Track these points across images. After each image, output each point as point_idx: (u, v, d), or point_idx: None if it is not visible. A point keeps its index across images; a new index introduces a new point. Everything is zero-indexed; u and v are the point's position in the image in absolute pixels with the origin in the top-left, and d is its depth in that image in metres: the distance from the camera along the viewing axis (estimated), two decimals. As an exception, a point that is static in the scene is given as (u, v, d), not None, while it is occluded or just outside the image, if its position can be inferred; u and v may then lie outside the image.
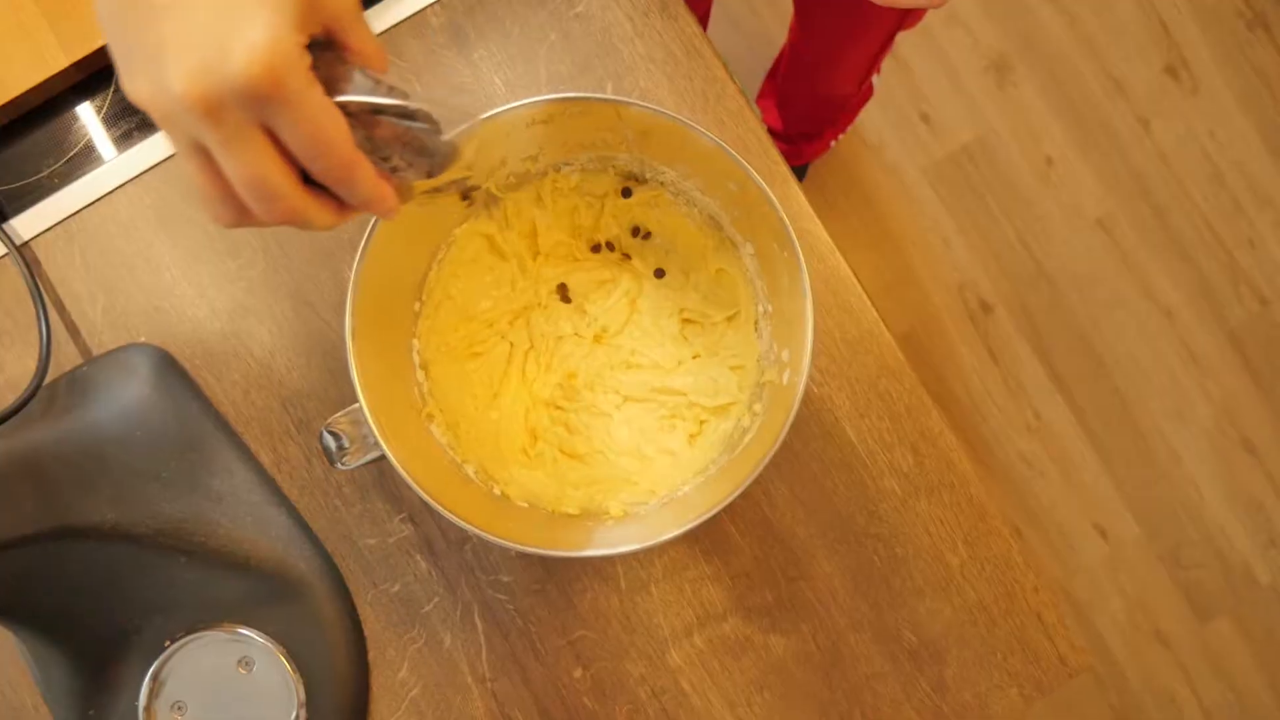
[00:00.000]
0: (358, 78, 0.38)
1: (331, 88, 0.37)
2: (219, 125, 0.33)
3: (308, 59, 0.35)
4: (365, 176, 0.37)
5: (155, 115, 0.34)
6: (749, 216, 0.56)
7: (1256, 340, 1.63)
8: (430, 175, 0.43)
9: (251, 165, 0.35)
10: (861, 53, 1.10)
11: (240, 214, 0.37)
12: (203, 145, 0.35)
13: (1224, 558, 1.61)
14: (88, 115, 0.67)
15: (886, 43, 1.10)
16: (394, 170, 0.41)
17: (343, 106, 0.37)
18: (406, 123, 0.40)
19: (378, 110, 0.39)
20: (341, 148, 0.36)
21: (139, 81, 0.34)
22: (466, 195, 0.50)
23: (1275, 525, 1.62)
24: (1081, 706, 1.59)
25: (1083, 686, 1.59)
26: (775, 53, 1.44)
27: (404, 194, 0.43)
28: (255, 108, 0.33)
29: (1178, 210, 1.64)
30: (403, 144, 0.41)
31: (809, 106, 1.38)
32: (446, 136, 0.42)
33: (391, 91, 0.39)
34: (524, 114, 0.53)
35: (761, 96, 1.49)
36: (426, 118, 0.41)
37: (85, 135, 0.67)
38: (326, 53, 0.37)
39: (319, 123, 0.35)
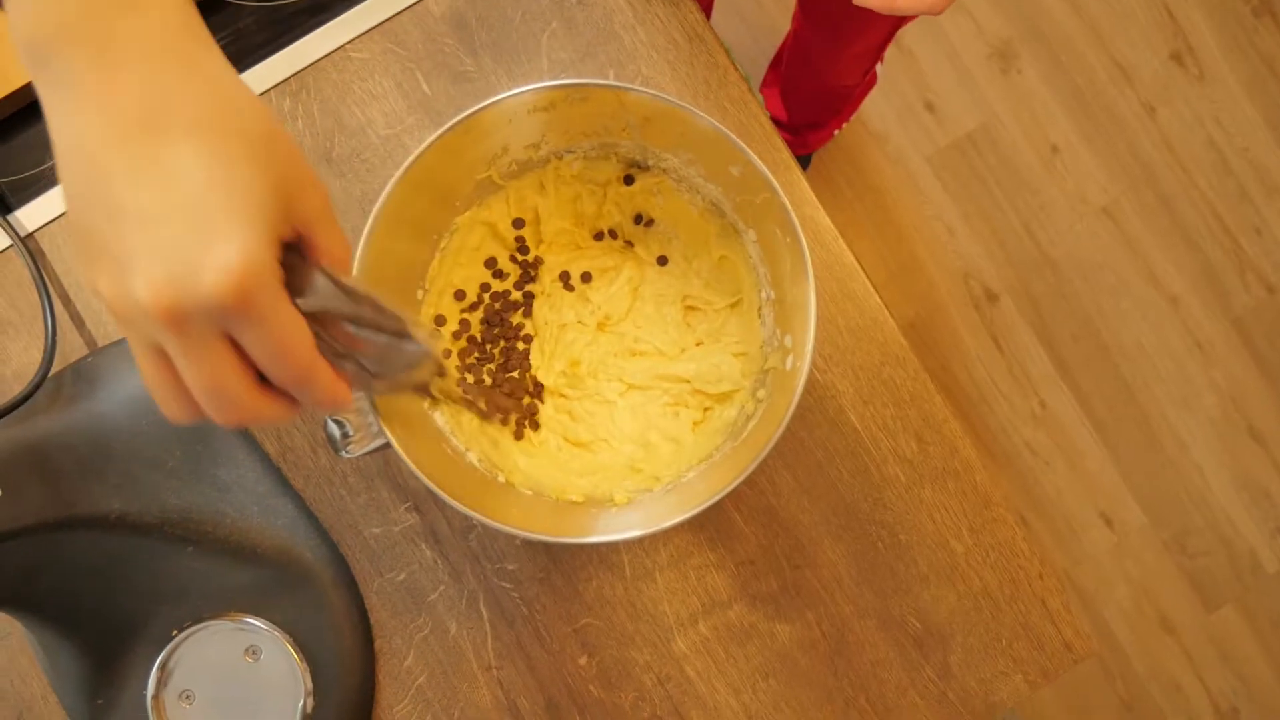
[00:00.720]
0: (320, 281, 0.38)
1: (295, 290, 0.37)
2: (181, 335, 0.33)
3: (279, 272, 0.35)
4: (323, 381, 0.37)
5: (115, 315, 0.34)
6: (752, 203, 0.56)
7: (1262, 327, 1.63)
8: (390, 378, 0.43)
9: (211, 375, 0.34)
10: (865, 42, 1.10)
11: (194, 412, 0.37)
12: (161, 348, 0.35)
13: (1230, 545, 1.61)
14: (91, 106, 0.67)
15: (890, 32, 1.09)
16: (356, 365, 0.41)
17: (307, 311, 0.37)
18: (368, 333, 0.41)
19: (347, 319, 0.39)
20: (303, 357, 0.36)
21: (100, 279, 0.34)
22: (427, 392, 0.50)
23: (1282, 513, 1.62)
24: (1088, 694, 1.59)
25: (1089, 674, 1.59)
26: (779, 42, 1.43)
27: (360, 383, 0.42)
28: (222, 322, 0.33)
29: (1183, 197, 1.63)
30: (365, 350, 0.41)
31: (812, 96, 1.37)
32: (412, 344, 0.43)
33: (354, 296, 0.39)
34: (526, 101, 0.53)
35: (765, 86, 1.48)
36: (394, 323, 0.41)
37: (88, 126, 0.67)
38: (291, 253, 0.37)
39: (283, 335, 0.35)
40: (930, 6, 0.59)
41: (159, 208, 0.32)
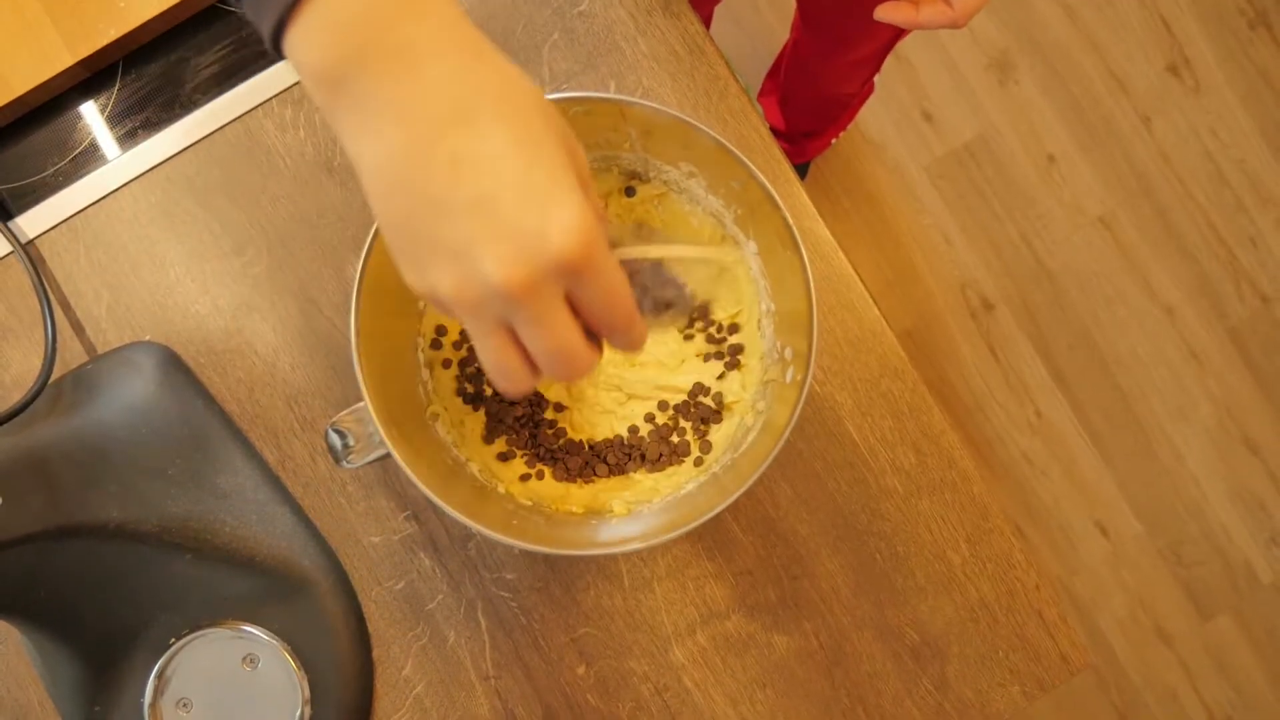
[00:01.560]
0: (612, 234, 0.41)
1: None
2: (533, 303, 0.35)
3: (604, 225, 0.37)
4: (639, 321, 0.40)
5: (462, 307, 0.36)
6: (752, 215, 0.56)
7: (1258, 338, 1.63)
8: (665, 316, 0.47)
9: (559, 336, 0.37)
10: (864, 51, 1.10)
11: (535, 378, 0.39)
12: (507, 323, 0.37)
13: (1225, 555, 1.62)
14: (92, 114, 0.67)
15: (890, 42, 1.10)
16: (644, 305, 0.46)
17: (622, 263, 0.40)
18: (655, 275, 0.46)
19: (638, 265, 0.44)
20: (630, 302, 0.39)
21: (440, 278, 0.35)
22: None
23: (1277, 523, 1.62)
24: (1084, 704, 1.59)
25: (1085, 684, 1.59)
26: (777, 50, 1.44)
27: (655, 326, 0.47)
28: (568, 281, 0.36)
29: (1179, 208, 1.64)
30: (653, 292, 0.46)
31: (811, 105, 1.38)
32: (686, 286, 0.47)
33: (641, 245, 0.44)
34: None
35: (763, 94, 1.49)
36: (669, 271, 0.46)
37: (89, 134, 0.67)
38: None
39: (616, 284, 0.37)
40: (952, 21, 0.59)
41: (488, 192, 0.34)
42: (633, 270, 0.45)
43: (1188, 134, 1.64)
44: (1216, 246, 1.64)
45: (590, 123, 0.55)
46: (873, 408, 0.66)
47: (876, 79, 1.32)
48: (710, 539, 0.65)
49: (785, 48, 1.36)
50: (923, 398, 0.66)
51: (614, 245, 0.41)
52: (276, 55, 0.36)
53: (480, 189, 0.34)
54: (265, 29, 0.35)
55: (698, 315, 0.59)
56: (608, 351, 0.63)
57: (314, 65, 0.35)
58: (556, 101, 0.53)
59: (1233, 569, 1.62)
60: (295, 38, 0.35)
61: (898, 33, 1.04)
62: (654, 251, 0.45)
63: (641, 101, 0.53)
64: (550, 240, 0.34)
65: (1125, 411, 1.62)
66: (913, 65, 1.63)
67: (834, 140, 1.53)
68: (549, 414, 0.63)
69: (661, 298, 0.46)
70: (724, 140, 0.52)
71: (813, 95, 1.33)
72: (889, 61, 1.62)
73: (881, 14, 0.61)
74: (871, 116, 1.63)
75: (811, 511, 0.65)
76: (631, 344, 0.40)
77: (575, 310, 0.37)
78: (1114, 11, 1.64)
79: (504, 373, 0.38)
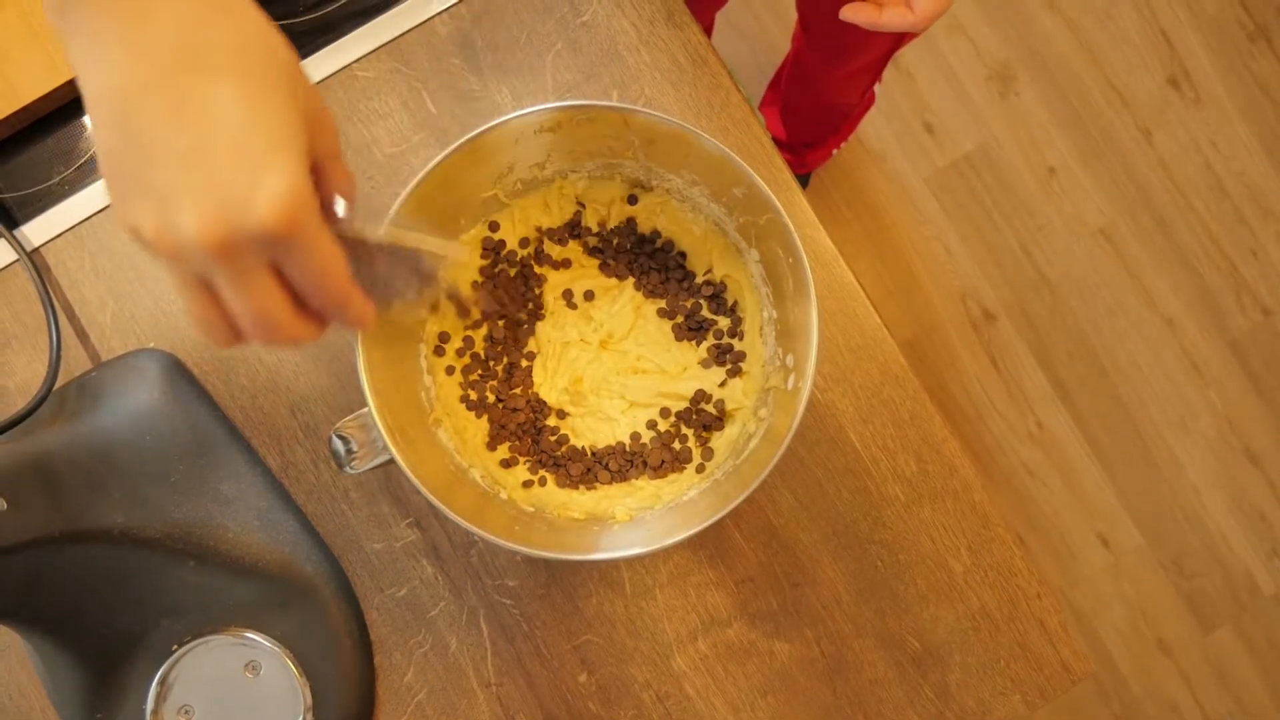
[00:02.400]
0: (342, 208, 0.41)
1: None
2: (231, 265, 0.34)
3: (317, 201, 0.36)
4: (355, 302, 0.39)
5: (158, 251, 0.35)
6: (754, 223, 0.56)
7: (1259, 350, 1.63)
8: (399, 302, 0.46)
9: (259, 301, 0.36)
10: (864, 61, 1.11)
11: (236, 339, 0.38)
12: (206, 280, 0.36)
13: (1226, 567, 1.61)
14: (98, 122, 0.68)
15: (889, 51, 1.10)
16: (374, 286, 0.44)
17: (337, 235, 0.39)
18: (384, 256, 0.44)
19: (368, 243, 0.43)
20: (342, 280, 0.38)
21: (142, 218, 0.34)
22: (435, 306, 0.55)
23: (1278, 535, 1.62)
24: (1084, 715, 1.59)
25: (1085, 695, 1.59)
26: (779, 60, 1.44)
27: (381, 302, 0.45)
28: (271, 249, 0.35)
29: (1180, 220, 1.64)
30: (383, 272, 0.44)
31: (812, 115, 1.38)
32: (425, 264, 0.46)
33: (370, 224, 0.43)
34: (533, 121, 0.54)
35: (764, 104, 1.49)
36: (411, 248, 0.45)
37: (94, 144, 0.67)
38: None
39: (325, 260, 0.36)
40: (912, 24, 0.60)
41: (204, 143, 0.33)
42: (366, 252, 0.43)
43: (1188, 146, 1.65)
44: (1217, 258, 1.64)
45: (593, 131, 0.56)
46: (874, 415, 0.66)
47: (878, 89, 1.33)
48: (712, 546, 0.65)
49: (786, 58, 1.37)
50: (924, 405, 0.66)
51: (346, 224, 0.41)
52: None
53: (196, 139, 0.33)
54: None
55: (445, 302, 0.57)
56: (610, 360, 0.63)
57: None
58: (561, 109, 0.54)
59: (1233, 580, 1.61)
60: None
61: (896, 43, 1.05)
62: (376, 234, 0.44)
63: (644, 110, 0.53)
64: (254, 206, 0.33)
65: (1126, 422, 1.63)
66: (914, 77, 1.64)
67: (835, 151, 1.54)
68: (551, 420, 0.63)
69: (394, 284, 0.45)
70: (726, 149, 0.52)
71: (814, 105, 1.34)
72: (890, 73, 1.63)
73: (846, 13, 0.62)
74: (873, 127, 1.63)
75: (813, 519, 0.65)
76: (349, 323, 0.40)
77: (284, 281, 0.37)
78: (1114, 24, 1.65)
79: (204, 326, 0.37)
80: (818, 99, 1.30)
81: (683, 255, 0.63)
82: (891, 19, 0.61)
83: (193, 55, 0.34)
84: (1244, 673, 1.60)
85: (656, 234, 0.64)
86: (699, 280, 0.63)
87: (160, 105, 0.33)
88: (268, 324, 0.37)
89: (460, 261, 0.49)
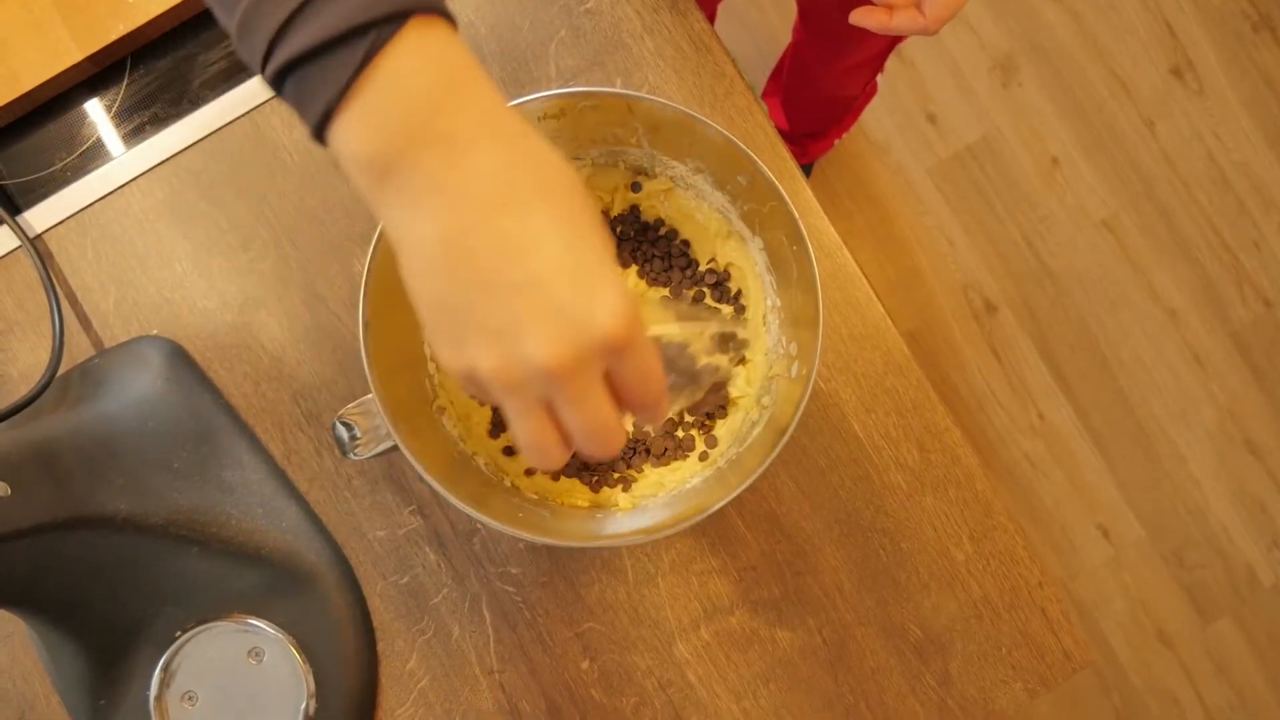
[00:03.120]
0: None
1: None
2: (576, 383, 0.36)
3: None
4: (667, 399, 0.41)
5: (501, 385, 0.36)
6: (759, 211, 0.56)
7: (1260, 342, 1.63)
8: (686, 392, 0.50)
9: (599, 415, 0.37)
10: (866, 53, 1.11)
11: (567, 453, 0.39)
12: (545, 401, 0.37)
13: (1227, 559, 1.62)
14: (99, 109, 0.68)
15: (891, 44, 1.10)
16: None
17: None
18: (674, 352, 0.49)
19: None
20: (663, 380, 0.40)
21: (482, 357, 0.36)
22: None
23: (1278, 526, 1.62)
24: (1084, 706, 1.59)
25: (1086, 686, 1.59)
26: (780, 50, 1.44)
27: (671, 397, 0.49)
28: (609, 360, 0.37)
29: (1182, 212, 1.64)
30: (673, 369, 0.48)
31: (814, 105, 1.38)
32: (704, 363, 0.49)
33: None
34: (537, 107, 0.54)
35: (766, 95, 1.49)
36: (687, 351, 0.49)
37: (97, 129, 0.68)
38: None
39: (652, 360, 0.38)
40: (923, 28, 0.60)
41: (536, 274, 0.35)
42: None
43: (1191, 137, 1.64)
44: (1220, 250, 1.64)
45: (597, 118, 0.55)
46: (877, 404, 0.66)
47: (880, 80, 1.33)
48: (714, 534, 0.65)
49: (787, 50, 1.36)
50: (926, 394, 0.66)
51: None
52: (320, 144, 0.37)
53: (526, 270, 0.35)
54: (310, 121, 0.36)
55: (712, 401, 0.62)
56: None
57: (362, 155, 0.35)
58: (565, 96, 0.53)
59: (1234, 572, 1.62)
60: (342, 129, 0.35)
61: (898, 37, 1.04)
62: (678, 332, 0.48)
63: (649, 97, 0.53)
64: (597, 322, 0.35)
65: (1127, 414, 1.63)
66: (916, 67, 1.64)
67: (837, 141, 1.53)
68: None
69: (684, 374, 0.49)
70: (731, 136, 0.52)
71: (815, 97, 1.34)
72: (893, 63, 1.62)
73: (856, 18, 0.62)
74: (875, 118, 1.63)
75: (815, 507, 0.65)
76: (656, 419, 0.41)
77: (611, 387, 0.38)
78: (1117, 15, 1.65)
79: (540, 450, 0.38)
80: (819, 91, 1.30)
81: (686, 244, 0.63)
82: (903, 23, 0.60)
83: (506, 195, 0.35)
84: (1244, 664, 1.60)
85: (660, 222, 0.63)
86: (702, 268, 0.63)
87: (485, 243, 0.35)
88: (605, 434, 0.38)
89: (738, 334, 0.54)
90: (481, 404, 0.39)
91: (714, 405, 0.62)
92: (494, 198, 0.35)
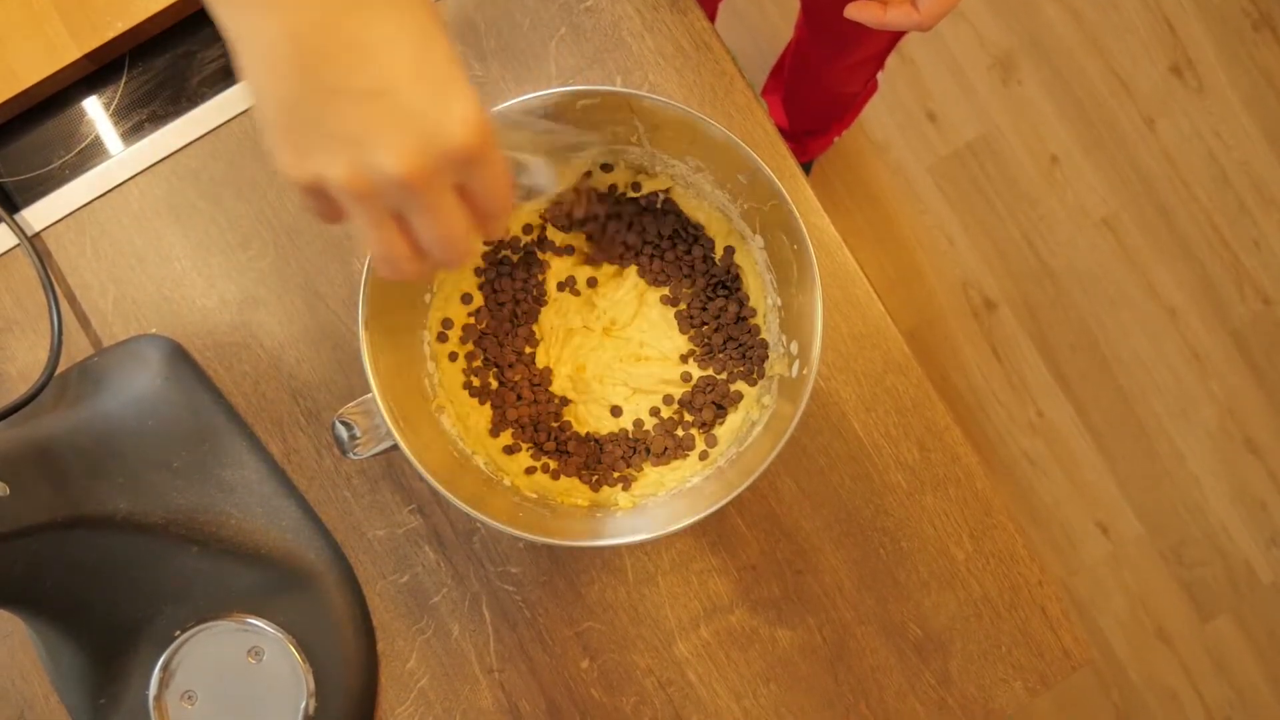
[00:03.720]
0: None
1: None
2: (427, 192, 0.36)
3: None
4: (511, 209, 0.41)
5: (352, 194, 0.35)
6: (759, 210, 0.56)
7: (1260, 340, 1.63)
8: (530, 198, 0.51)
9: (451, 223, 0.37)
10: (867, 50, 1.10)
11: (420, 266, 0.39)
12: (397, 212, 0.37)
13: (1226, 556, 1.62)
14: (98, 107, 0.67)
15: (892, 41, 1.10)
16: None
17: None
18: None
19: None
20: (510, 190, 0.40)
21: (331, 165, 0.35)
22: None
23: (1277, 524, 1.62)
24: (1084, 704, 1.59)
25: (1085, 684, 1.59)
26: (780, 48, 1.44)
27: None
28: (463, 171, 0.36)
29: (1182, 210, 1.64)
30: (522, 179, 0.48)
31: (814, 103, 1.38)
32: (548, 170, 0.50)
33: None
34: (537, 106, 0.53)
35: (766, 92, 1.49)
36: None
37: (95, 127, 0.67)
38: None
39: (502, 169, 0.38)
40: (917, 24, 0.60)
41: (388, 81, 0.34)
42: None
43: (1191, 135, 1.64)
44: (1219, 248, 1.64)
45: (599, 116, 0.55)
46: (877, 403, 0.66)
47: (880, 77, 1.33)
48: (714, 533, 0.65)
49: (788, 47, 1.36)
50: (927, 393, 0.66)
51: None
52: None
53: (379, 76, 0.34)
54: None
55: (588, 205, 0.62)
56: (614, 346, 0.63)
57: None
58: (566, 93, 0.53)
59: (1233, 570, 1.62)
60: None
61: (899, 34, 1.04)
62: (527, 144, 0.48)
63: (650, 95, 0.53)
64: (450, 131, 0.35)
65: (1127, 412, 1.62)
66: (916, 65, 1.64)
67: (836, 139, 1.53)
68: (554, 407, 0.63)
69: (532, 184, 0.49)
70: (732, 135, 0.52)
71: (816, 94, 1.33)
72: (893, 61, 1.62)
73: (851, 12, 0.62)
74: (875, 116, 1.63)
75: (815, 506, 0.65)
76: (500, 230, 0.41)
77: (462, 198, 0.38)
78: (1117, 12, 1.64)
79: (392, 261, 0.38)
80: (820, 88, 1.29)
81: (698, 227, 0.63)
82: (896, 18, 0.60)
83: None
84: (1243, 661, 1.61)
85: (667, 202, 0.63)
86: (717, 258, 0.62)
87: (339, 47, 0.34)
88: (455, 242, 0.38)
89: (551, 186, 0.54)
90: (325, 219, 0.38)
91: (591, 210, 0.62)
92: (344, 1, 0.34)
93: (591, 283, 0.64)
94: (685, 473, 0.60)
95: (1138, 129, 1.64)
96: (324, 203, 0.37)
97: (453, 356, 0.62)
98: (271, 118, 0.36)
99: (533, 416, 0.62)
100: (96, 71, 0.68)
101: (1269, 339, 1.63)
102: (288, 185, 0.37)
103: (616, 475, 0.61)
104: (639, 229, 0.63)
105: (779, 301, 0.59)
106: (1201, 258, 1.63)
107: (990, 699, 0.65)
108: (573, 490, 0.60)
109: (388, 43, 0.34)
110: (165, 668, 0.60)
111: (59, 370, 0.64)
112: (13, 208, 0.66)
